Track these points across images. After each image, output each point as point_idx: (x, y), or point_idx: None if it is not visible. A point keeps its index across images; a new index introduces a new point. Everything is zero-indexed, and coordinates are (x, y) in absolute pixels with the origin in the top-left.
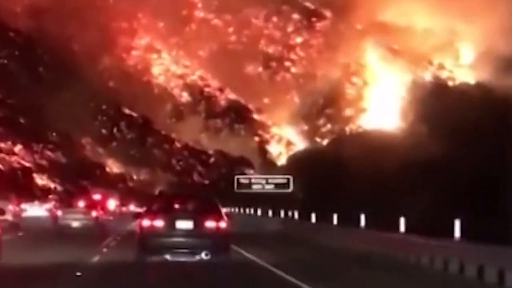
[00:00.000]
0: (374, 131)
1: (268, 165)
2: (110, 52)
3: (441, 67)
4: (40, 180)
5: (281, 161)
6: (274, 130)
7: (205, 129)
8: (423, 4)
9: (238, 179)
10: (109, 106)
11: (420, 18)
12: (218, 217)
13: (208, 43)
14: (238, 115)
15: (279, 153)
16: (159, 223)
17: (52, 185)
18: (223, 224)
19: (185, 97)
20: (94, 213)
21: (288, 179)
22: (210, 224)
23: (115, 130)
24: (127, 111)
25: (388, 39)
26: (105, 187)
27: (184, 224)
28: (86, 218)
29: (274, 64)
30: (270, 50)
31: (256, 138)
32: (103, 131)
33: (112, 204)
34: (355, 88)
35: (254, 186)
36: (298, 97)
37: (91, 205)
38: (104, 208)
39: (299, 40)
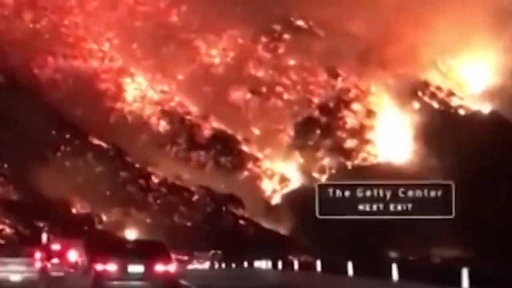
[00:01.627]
0: (380, 165)
1: (262, 205)
2: (76, 75)
3: (450, 93)
4: None
5: (275, 200)
6: (266, 164)
7: (186, 162)
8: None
9: (323, 189)
10: (74, 135)
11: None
12: (167, 261)
13: (188, 66)
14: (225, 147)
15: (272, 191)
16: (112, 267)
17: None
18: (172, 268)
19: (163, 126)
20: (38, 264)
21: (449, 187)
22: (159, 268)
23: (81, 162)
24: (95, 141)
25: (390, 62)
26: (68, 230)
27: (136, 268)
28: (28, 271)
29: (264, 89)
30: (260, 73)
31: (246, 173)
32: (67, 163)
33: (73, 255)
34: (356, 116)
35: (363, 208)
36: (292, 126)
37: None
38: (63, 259)
39: (291, 62)
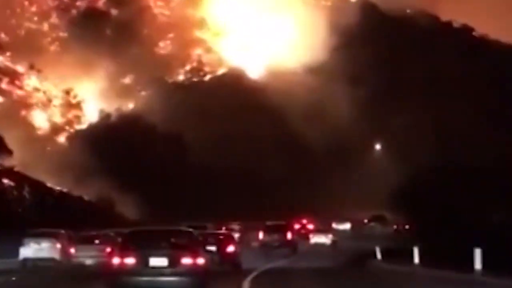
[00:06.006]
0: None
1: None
2: None
3: None
4: None
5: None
6: (31, 82)
7: None
8: None
9: None
10: None
11: None
12: (196, 253)
13: None
14: None
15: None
16: (130, 260)
17: None
18: (201, 261)
19: None
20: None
21: None
22: (186, 260)
23: None
24: None
25: None
26: None
27: (158, 261)
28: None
29: None
30: None
31: None
32: None
33: None
34: None
35: None
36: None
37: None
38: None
39: None
